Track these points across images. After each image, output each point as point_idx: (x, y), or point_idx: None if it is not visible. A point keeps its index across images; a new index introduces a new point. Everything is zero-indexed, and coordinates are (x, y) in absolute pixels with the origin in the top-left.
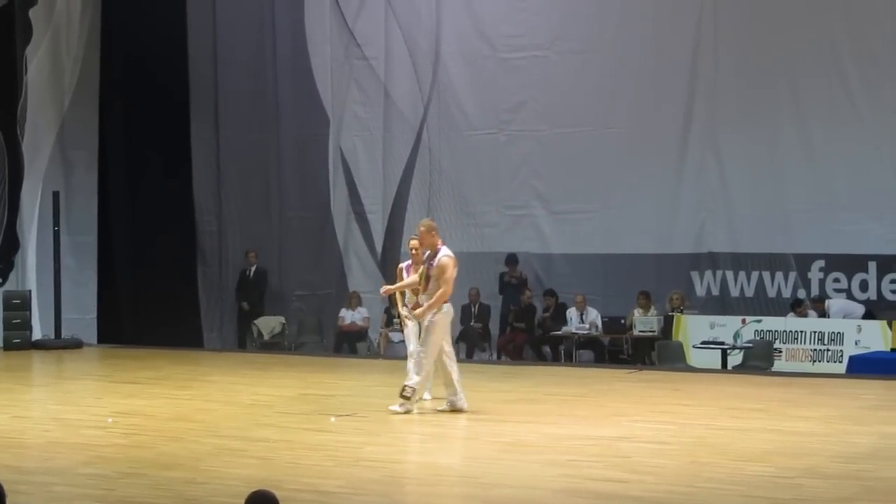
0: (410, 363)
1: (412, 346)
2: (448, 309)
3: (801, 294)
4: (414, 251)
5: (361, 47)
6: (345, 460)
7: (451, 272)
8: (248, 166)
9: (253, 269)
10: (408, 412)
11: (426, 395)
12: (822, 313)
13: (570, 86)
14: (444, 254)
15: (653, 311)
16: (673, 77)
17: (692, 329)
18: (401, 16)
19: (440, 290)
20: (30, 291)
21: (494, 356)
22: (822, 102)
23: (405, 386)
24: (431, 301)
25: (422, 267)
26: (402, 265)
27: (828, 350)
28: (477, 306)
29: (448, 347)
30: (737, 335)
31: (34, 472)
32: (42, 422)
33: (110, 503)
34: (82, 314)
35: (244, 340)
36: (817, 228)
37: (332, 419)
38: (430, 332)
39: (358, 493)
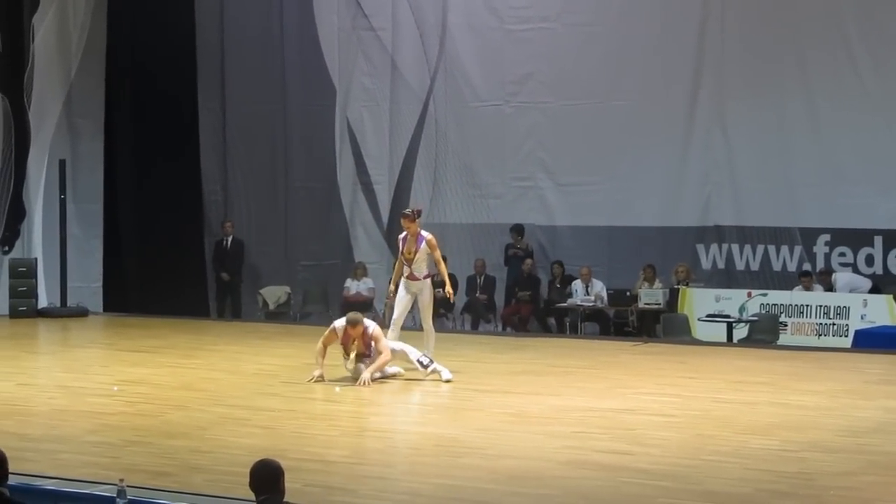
0: (396, 332)
1: (397, 313)
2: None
3: (807, 268)
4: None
5: (369, 18)
6: (350, 430)
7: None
8: (255, 136)
9: (230, 239)
10: (443, 375)
11: (446, 375)
12: (829, 287)
13: (577, 58)
14: (428, 234)
15: (658, 283)
16: (680, 50)
17: (697, 302)
18: None
19: (443, 266)
20: (35, 259)
21: (499, 328)
22: (828, 76)
23: (422, 362)
24: (446, 277)
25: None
26: (400, 236)
27: (833, 324)
28: (482, 278)
29: (399, 346)
30: (742, 308)
31: (40, 439)
32: (48, 389)
33: (116, 471)
34: (88, 282)
35: (223, 310)
36: (823, 202)
37: (337, 389)
38: (429, 298)
39: (362, 463)
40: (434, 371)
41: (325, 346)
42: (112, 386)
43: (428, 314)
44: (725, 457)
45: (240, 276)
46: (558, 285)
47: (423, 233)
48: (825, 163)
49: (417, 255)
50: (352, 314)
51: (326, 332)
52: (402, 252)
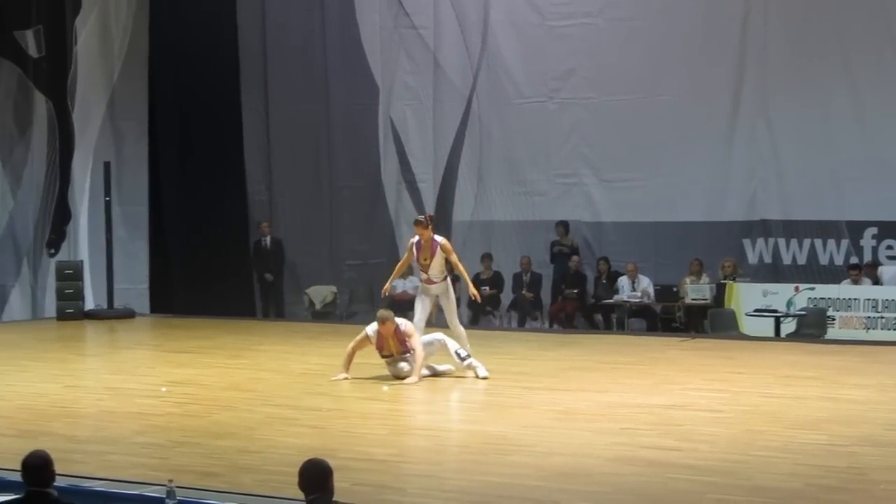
0: (427, 337)
1: (418, 316)
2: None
3: (854, 261)
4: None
5: (410, 16)
6: (398, 429)
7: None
8: (298, 136)
9: (268, 239)
10: (479, 372)
11: (482, 372)
12: (876, 280)
13: (620, 53)
14: (441, 238)
15: (705, 278)
16: (723, 44)
17: (745, 297)
18: None
19: (461, 266)
20: (82, 261)
21: (546, 325)
22: (873, 68)
23: (460, 354)
24: (468, 279)
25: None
26: (413, 241)
27: (882, 317)
28: (528, 275)
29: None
30: (790, 303)
31: (88, 440)
32: (96, 391)
33: (164, 471)
34: (134, 284)
35: (268, 311)
36: (869, 195)
37: (385, 388)
38: (451, 299)
39: (411, 462)
40: (470, 366)
41: (354, 352)
42: (160, 387)
43: (454, 316)
44: (774, 452)
45: (281, 276)
46: (604, 281)
47: (437, 238)
48: (871, 156)
49: (433, 261)
50: (380, 312)
51: (358, 338)
52: (417, 258)
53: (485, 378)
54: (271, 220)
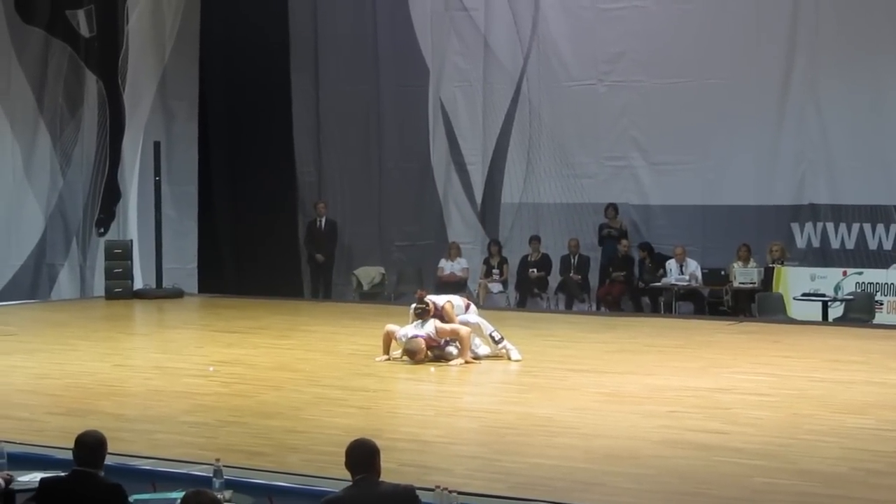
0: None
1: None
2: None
3: None
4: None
5: None
6: (444, 410)
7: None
8: (348, 117)
9: (323, 219)
10: (512, 355)
11: (515, 355)
12: None
13: (670, 36)
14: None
15: (753, 262)
16: (773, 27)
17: (792, 281)
18: None
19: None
20: (131, 241)
21: (594, 307)
22: None
23: (494, 336)
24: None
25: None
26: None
27: None
28: (576, 258)
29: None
30: (837, 287)
31: (136, 419)
32: (144, 370)
33: (212, 450)
34: (183, 264)
35: (317, 291)
36: None
37: (432, 369)
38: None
39: (457, 443)
40: (505, 348)
41: (389, 339)
42: (208, 366)
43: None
44: (821, 436)
45: (333, 257)
46: (649, 265)
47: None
48: None
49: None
50: (408, 347)
51: (390, 331)
52: (440, 346)
53: (517, 361)
54: (319, 200)
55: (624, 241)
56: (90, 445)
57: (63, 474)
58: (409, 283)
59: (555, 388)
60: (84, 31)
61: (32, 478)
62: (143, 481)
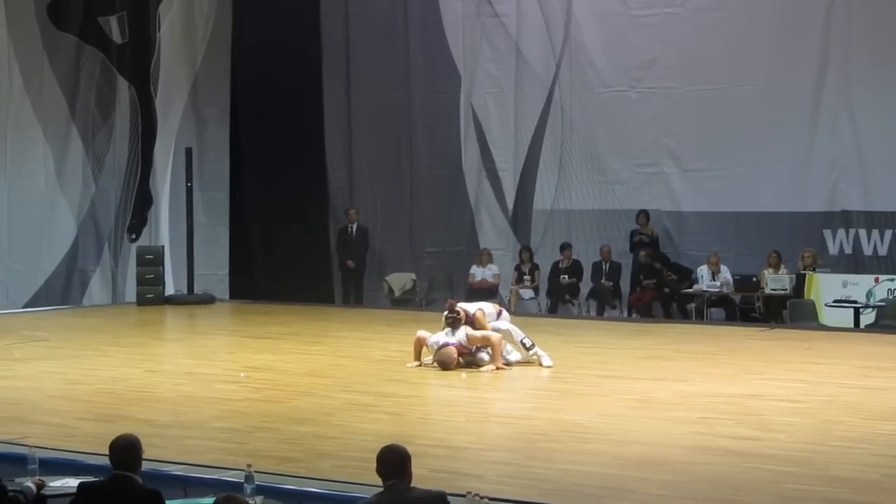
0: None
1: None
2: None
3: None
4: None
5: (493, 4)
6: (476, 416)
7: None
8: (380, 123)
9: (354, 226)
10: (543, 361)
11: (547, 361)
12: None
13: (702, 43)
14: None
15: (784, 269)
16: (806, 33)
17: (824, 287)
18: None
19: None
20: (163, 247)
21: (625, 314)
22: None
23: (525, 343)
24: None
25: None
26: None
27: None
28: (608, 264)
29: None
30: (869, 294)
31: (167, 425)
32: (175, 376)
33: (243, 456)
34: (214, 270)
35: (349, 297)
36: None
37: (463, 375)
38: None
39: (489, 449)
40: (536, 354)
41: (421, 345)
42: (239, 372)
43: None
44: (853, 442)
45: (364, 264)
46: (673, 277)
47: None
48: None
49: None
50: (440, 358)
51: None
52: (472, 353)
53: (549, 367)
54: (350, 206)
55: (642, 252)
56: (123, 448)
57: (101, 479)
58: (440, 290)
59: (586, 394)
60: (116, 37)
61: (64, 483)
62: (174, 487)
